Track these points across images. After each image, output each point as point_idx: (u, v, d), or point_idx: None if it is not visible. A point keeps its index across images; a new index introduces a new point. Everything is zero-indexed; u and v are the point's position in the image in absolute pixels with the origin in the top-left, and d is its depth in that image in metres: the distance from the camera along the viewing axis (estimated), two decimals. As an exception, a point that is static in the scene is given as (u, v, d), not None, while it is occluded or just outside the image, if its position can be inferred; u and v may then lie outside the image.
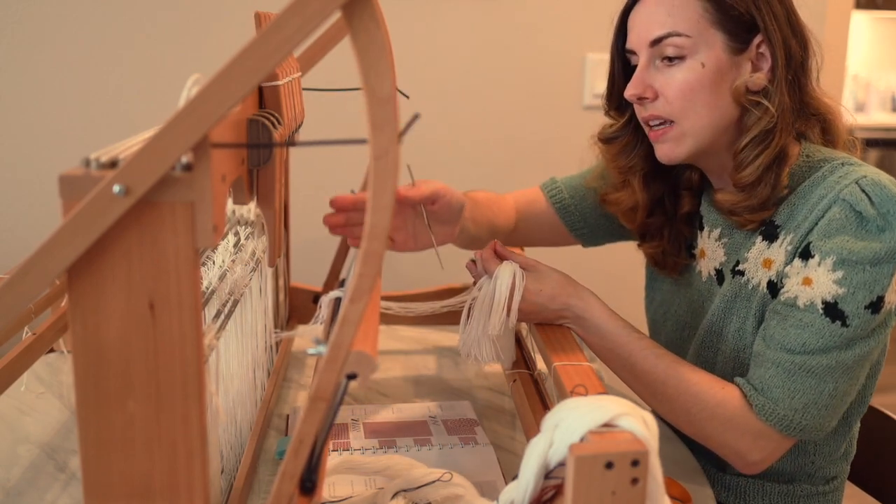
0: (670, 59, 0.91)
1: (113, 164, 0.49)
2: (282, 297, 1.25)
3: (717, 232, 1.02)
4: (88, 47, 1.58)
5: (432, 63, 1.75)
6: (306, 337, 1.11)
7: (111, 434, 0.51)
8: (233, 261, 0.85)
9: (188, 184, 0.48)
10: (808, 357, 0.85)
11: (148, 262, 0.49)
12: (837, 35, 2.00)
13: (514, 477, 0.59)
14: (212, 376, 0.69)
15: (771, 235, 0.93)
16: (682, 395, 0.89)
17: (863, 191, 0.85)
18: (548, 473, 0.57)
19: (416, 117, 0.53)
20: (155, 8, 1.59)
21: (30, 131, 1.58)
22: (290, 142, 0.82)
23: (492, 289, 0.93)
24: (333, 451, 0.92)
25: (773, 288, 0.92)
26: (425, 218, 0.99)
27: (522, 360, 1.07)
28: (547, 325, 0.95)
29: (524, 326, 1.13)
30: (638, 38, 0.93)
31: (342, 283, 1.00)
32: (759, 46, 0.91)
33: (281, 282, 1.23)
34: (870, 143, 3.60)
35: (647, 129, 0.96)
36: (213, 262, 0.83)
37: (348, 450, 0.93)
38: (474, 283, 0.99)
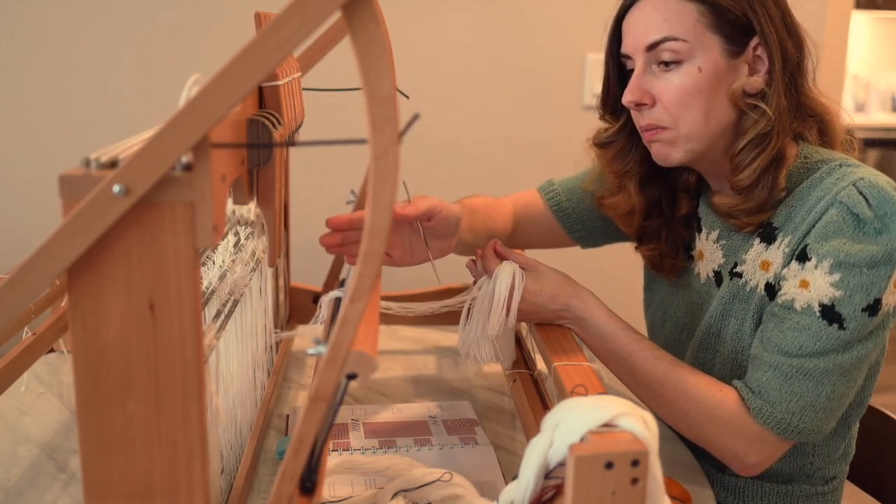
0: (667, 63, 0.90)
1: (113, 164, 0.49)
2: (282, 297, 1.25)
3: (715, 234, 1.01)
4: (88, 47, 1.58)
5: (432, 63, 1.75)
6: (306, 337, 1.11)
7: (111, 434, 0.51)
8: (233, 261, 0.85)
9: (188, 184, 0.48)
10: (805, 360, 0.85)
11: (148, 262, 0.49)
12: (837, 35, 2.00)
13: (514, 477, 0.59)
14: (212, 376, 0.69)
15: (769, 237, 0.93)
16: (680, 397, 0.89)
17: (860, 193, 0.85)
18: (548, 473, 0.57)
19: (416, 117, 0.53)
20: (155, 8, 1.59)
21: (30, 131, 1.58)
22: (290, 142, 0.82)
23: (491, 289, 0.93)
24: (333, 451, 0.92)
25: (771, 290, 0.91)
26: (422, 234, 0.99)
27: (522, 360, 1.07)
28: (547, 325, 0.95)
29: (524, 326, 1.13)
30: (633, 43, 0.93)
31: (342, 283, 1.00)
32: (755, 49, 0.91)
33: (281, 282, 1.23)
34: (870, 144, 3.61)
35: (643, 135, 0.96)
36: (213, 262, 0.83)
37: (348, 450, 0.93)
38: (474, 283, 0.99)
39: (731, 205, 0.93)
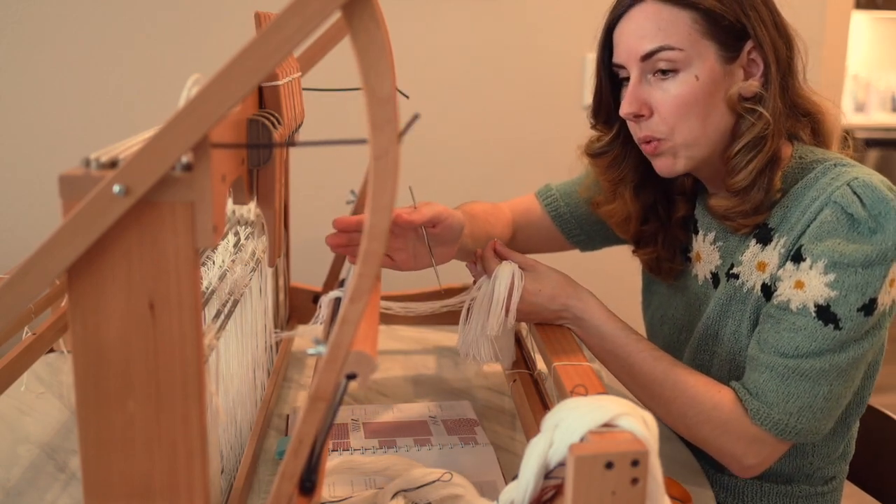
0: (664, 72, 0.89)
1: (113, 164, 0.49)
2: (282, 297, 1.25)
3: (711, 235, 1.01)
4: (88, 47, 1.58)
5: (432, 63, 1.75)
6: (306, 337, 1.11)
7: (111, 434, 0.51)
8: (233, 261, 0.85)
9: (188, 184, 0.48)
10: (801, 360, 0.85)
11: (148, 262, 0.49)
12: (837, 35, 2.00)
13: (514, 477, 0.59)
14: (212, 376, 0.69)
15: (765, 238, 0.93)
16: (678, 398, 0.89)
17: (854, 193, 0.85)
18: (548, 473, 0.57)
19: (416, 117, 0.53)
20: (155, 8, 1.59)
21: (30, 131, 1.58)
22: (290, 142, 0.82)
23: (491, 289, 0.93)
24: (333, 451, 0.92)
25: (768, 291, 0.91)
26: (426, 240, 0.99)
27: (522, 360, 1.07)
28: (547, 325, 0.95)
29: (524, 326, 1.13)
30: (627, 54, 0.91)
31: (342, 283, 1.00)
32: (749, 53, 0.90)
33: (281, 282, 1.23)
34: (870, 143, 3.61)
35: (641, 146, 0.95)
36: (213, 262, 0.83)
37: (348, 450, 0.93)
38: (474, 283, 0.99)
39: (728, 207, 0.93)
